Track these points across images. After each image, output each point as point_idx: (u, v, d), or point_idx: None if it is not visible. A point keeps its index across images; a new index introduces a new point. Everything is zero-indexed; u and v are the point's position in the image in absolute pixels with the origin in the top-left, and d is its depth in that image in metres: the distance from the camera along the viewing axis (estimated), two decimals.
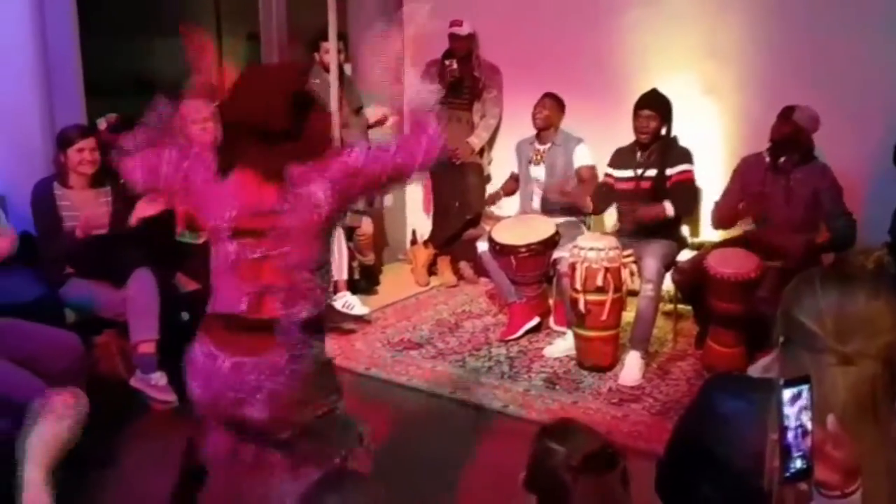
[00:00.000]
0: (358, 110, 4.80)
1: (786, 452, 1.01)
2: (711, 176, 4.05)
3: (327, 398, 1.97)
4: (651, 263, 3.62)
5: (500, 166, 4.82)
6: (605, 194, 3.97)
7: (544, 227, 4.02)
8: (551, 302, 4.21)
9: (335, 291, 4.30)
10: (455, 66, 4.66)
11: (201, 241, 3.24)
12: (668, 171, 3.75)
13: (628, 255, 3.75)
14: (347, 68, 4.77)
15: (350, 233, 4.62)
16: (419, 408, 3.42)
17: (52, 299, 3.16)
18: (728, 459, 1.26)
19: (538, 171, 4.27)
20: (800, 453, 1.01)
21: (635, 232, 3.80)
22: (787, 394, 1.01)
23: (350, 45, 4.89)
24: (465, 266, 5.04)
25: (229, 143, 1.89)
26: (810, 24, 4.00)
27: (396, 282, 5.02)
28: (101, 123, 4.25)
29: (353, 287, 4.51)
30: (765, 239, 3.60)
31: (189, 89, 3.21)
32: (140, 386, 3.16)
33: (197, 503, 2.08)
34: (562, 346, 3.89)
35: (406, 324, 4.34)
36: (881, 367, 1.14)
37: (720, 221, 3.82)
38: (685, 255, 3.87)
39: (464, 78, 4.73)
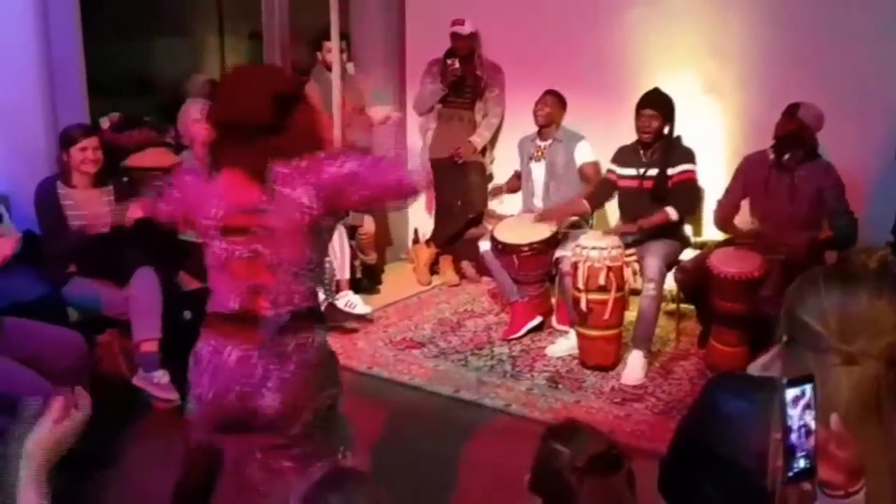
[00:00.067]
0: (360, 110, 4.80)
1: (789, 452, 1.01)
2: (713, 175, 4.05)
3: (333, 387, 1.99)
4: (653, 262, 3.62)
5: (503, 165, 4.82)
6: (605, 190, 3.97)
7: (546, 226, 4.01)
8: (553, 301, 4.21)
9: (337, 290, 4.30)
10: (457, 65, 4.66)
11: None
12: (670, 171, 3.74)
13: (631, 255, 3.75)
14: (350, 68, 4.77)
15: (352, 232, 4.62)
16: (421, 407, 3.42)
17: (55, 298, 3.17)
18: (731, 459, 1.25)
19: (539, 168, 4.27)
20: (803, 453, 1.01)
21: (639, 232, 3.79)
22: (791, 393, 1.01)
23: (352, 44, 4.89)
24: (467, 265, 5.04)
25: (217, 142, 1.91)
26: (812, 22, 3.99)
27: (398, 281, 5.02)
28: (104, 122, 4.27)
29: (356, 286, 4.52)
30: (768, 237, 3.59)
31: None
32: (142, 384, 3.17)
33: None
34: (564, 345, 3.89)
35: (408, 323, 4.34)
36: (884, 368, 1.14)
37: (722, 221, 3.81)
38: (688, 255, 3.86)
39: (466, 77, 4.72)
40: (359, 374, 3.70)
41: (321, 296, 4.05)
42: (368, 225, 4.79)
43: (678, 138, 3.81)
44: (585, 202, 3.97)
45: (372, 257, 4.88)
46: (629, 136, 3.87)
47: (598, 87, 4.43)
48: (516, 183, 4.46)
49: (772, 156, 3.59)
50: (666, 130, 3.78)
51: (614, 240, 3.67)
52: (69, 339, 2.75)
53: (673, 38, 4.34)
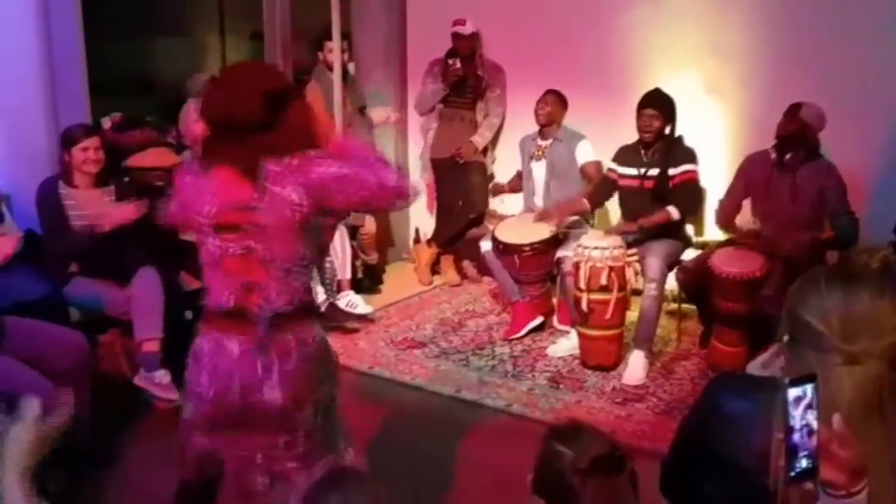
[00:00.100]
0: (361, 110, 4.80)
1: (791, 452, 1.00)
2: (715, 175, 4.05)
3: (332, 381, 2.00)
4: (655, 262, 3.62)
5: (504, 165, 4.82)
6: (605, 189, 3.97)
7: (547, 226, 4.01)
8: (555, 301, 4.21)
9: (339, 290, 4.31)
10: (458, 65, 4.66)
11: None
12: (672, 171, 3.74)
13: (632, 254, 3.75)
14: (351, 67, 4.77)
15: (354, 232, 4.63)
16: (422, 407, 3.42)
17: (57, 298, 3.17)
18: (733, 459, 1.25)
19: (539, 167, 4.27)
20: (805, 453, 1.01)
21: (641, 232, 3.79)
22: (793, 393, 1.01)
23: (354, 44, 4.89)
24: (468, 265, 5.04)
25: (211, 139, 1.93)
26: (813, 22, 3.99)
27: (400, 281, 5.02)
28: (106, 122, 4.27)
29: (357, 286, 4.52)
30: (769, 237, 3.58)
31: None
32: (144, 384, 3.17)
33: None
34: (565, 345, 3.88)
35: (409, 323, 4.34)
36: (886, 367, 1.14)
37: (724, 221, 3.81)
38: (689, 255, 3.86)
39: (467, 77, 4.72)
40: (360, 373, 3.70)
41: (322, 296, 4.07)
42: (370, 225, 4.79)
43: (679, 138, 3.81)
44: (586, 201, 3.97)
45: (373, 257, 4.88)
46: (630, 135, 3.87)
47: (599, 87, 4.43)
48: (518, 183, 4.46)
49: (773, 156, 3.59)
50: (667, 130, 3.78)
51: (616, 240, 3.67)
52: (71, 339, 2.75)
53: (674, 38, 4.34)
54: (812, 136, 3.53)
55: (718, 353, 3.59)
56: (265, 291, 1.83)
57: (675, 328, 4.06)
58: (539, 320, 4.12)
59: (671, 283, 3.79)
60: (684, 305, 4.04)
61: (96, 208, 3.27)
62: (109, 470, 2.71)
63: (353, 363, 3.79)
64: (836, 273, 1.23)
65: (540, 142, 4.28)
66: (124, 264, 3.24)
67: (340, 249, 4.34)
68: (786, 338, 1.22)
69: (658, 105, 3.75)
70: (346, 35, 4.61)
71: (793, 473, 1.01)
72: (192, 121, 3.69)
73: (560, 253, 3.93)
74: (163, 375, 3.14)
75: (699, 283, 3.61)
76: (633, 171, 3.85)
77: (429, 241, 5.09)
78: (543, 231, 3.97)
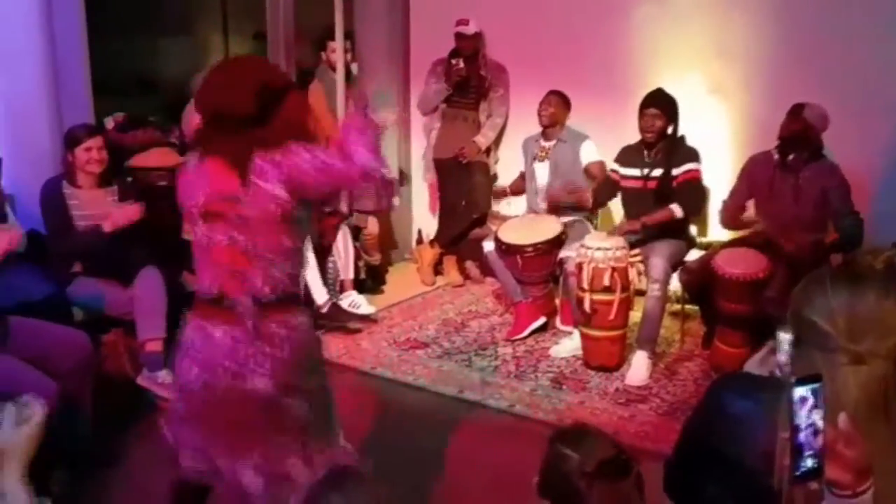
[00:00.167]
0: (364, 110, 4.79)
1: (797, 451, 1.00)
2: (718, 175, 4.04)
3: (321, 371, 2.02)
4: (658, 263, 3.61)
5: (507, 165, 4.82)
6: (607, 189, 3.97)
7: (551, 227, 4.01)
8: (558, 302, 4.21)
9: (341, 291, 4.31)
10: (461, 65, 4.66)
11: None
12: (675, 171, 3.74)
13: (636, 255, 3.74)
14: (354, 67, 4.77)
15: (356, 232, 4.63)
16: (425, 407, 3.42)
17: (60, 298, 3.17)
18: (737, 459, 1.25)
19: (542, 168, 4.27)
20: (811, 452, 1.00)
21: (643, 232, 3.78)
22: (799, 392, 1.00)
23: (357, 44, 4.89)
24: (471, 266, 5.04)
25: (204, 130, 1.96)
26: (817, 23, 3.98)
27: (402, 281, 5.02)
28: (109, 122, 4.27)
29: (360, 286, 4.52)
30: (773, 238, 3.58)
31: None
32: (147, 384, 3.17)
33: None
34: (568, 345, 3.88)
35: (412, 323, 4.34)
36: (892, 367, 1.13)
37: (728, 221, 3.80)
38: (693, 255, 3.85)
39: (470, 77, 4.72)
40: (362, 374, 3.70)
41: (325, 296, 4.07)
42: (372, 226, 4.79)
43: (682, 138, 3.80)
44: (589, 194, 3.96)
45: (376, 258, 4.88)
46: (634, 136, 3.87)
47: (602, 88, 4.43)
48: (521, 184, 4.46)
49: (776, 156, 3.58)
50: (669, 130, 3.77)
51: (619, 240, 3.66)
52: (74, 339, 2.75)
53: (678, 39, 4.34)
54: (815, 137, 3.52)
55: (721, 354, 3.58)
56: (249, 280, 1.87)
57: (679, 329, 4.05)
58: (542, 321, 4.11)
59: (674, 283, 3.78)
60: (687, 306, 4.04)
61: (99, 208, 3.28)
62: (112, 470, 2.71)
63: (355, 363, 3.79)
64: (842, 273, 1.23)
65: (543, 143, 4.28)
66: (127, 264, 3.25)
67: (343, 250, 4.34)
68: (780, 335, 1.22)
69: (660, 105, 3.74)
70: (349, 35, 4.62)
71: (798, 473, 1.01)
72: (194, 121, 3.70)
73: (563, 253, 3.93)
74: (166, 375, 3.14)
75: (702, 284, 3.60)
76: (635, 172, 3.84)
77: (431, 242, 5.09)
78: (546, 231, 3.97)
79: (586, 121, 4.29)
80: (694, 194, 3.79)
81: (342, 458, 1.98)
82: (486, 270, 4.66)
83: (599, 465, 1.29)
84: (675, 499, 1.49)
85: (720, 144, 4.24)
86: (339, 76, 4.13)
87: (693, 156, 3.77)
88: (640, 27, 4.43)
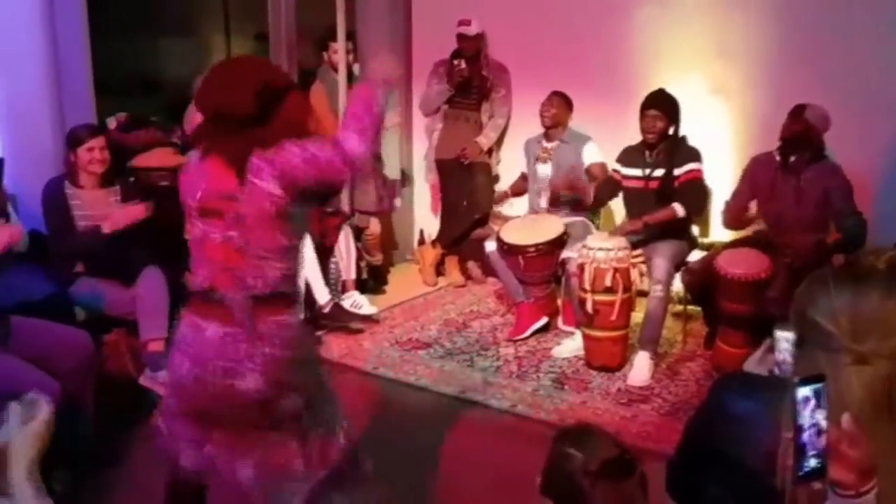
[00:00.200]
0: None
1: (800, 451, 1.00)
2: (720, 176, 4.04)
3: (317, 367, 2.02)
4: (661, 264, 3.61)
5: (509, 166, 4.81)
6: (609, 188, 3.97)
7: (553, 227, 4.01)
8: (559, 302, 4.20)
9: (343, 291, 4.31)
10: (464, 65, 4.65)
11: None
12: (677, 171, 3.74)
13: (638, 256, 3.74)
14: (356, 68, 4.77)
15: (358, 233, 4.63)
16: (427, 407, 3.42)
17: (62, 297, 3.17)
18: (740, 459, 1.25)
19: (545, 169, 4.27)
20: (814, 452, 1.00)
21: (645, 232, 3.78)
22: (802, 392, 1.00)
23: (359, 44, 4.89)
24: (473, 266, 5.04)
25: (203, 128, 1.98)
26: (819, 23, 3.97)
27: (404, 282, 5.02)
28: (111, 122, 4.28)
29: (362, 287, 4.52)
30: (775, 238, 3.58)
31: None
32: (149, 384, 3.17)
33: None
34: (570, 346, 3.88)
35: (414, 323, 4.34)
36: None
37: (730, 221, 3.80)
38: (695, 256, 3.85)
39: (472, 78, 4.72)
40: (364, 374, 3.70)
41: (327, 296, 4.07)
42: (374, 226, 4.79)
43: (683, 138, 3.80)
44: (590, 190, 3.96)
45: (378, 258, 4.88)
46: (635, 137, 3.87)
47: (604, 88, 4.43)
48: (522, 185, 4.46)
49: (778, 158, 3.58)
50: (671, 131, 3.77)
51: (621, 241, 3.66)
52: (76, 339, 2.75)
53: (679, 39, 4.33)
54: (816, 138, 3.52)
55: (723, 354, 3.58)
56: (241, 277, 1.87)
57: (681, 329, 4.05)
58: (544, 321, 4.11)
59: (676, 284, 3.78)
60: (689, 307, 4.03)
61: (101, 209, 3.28)
62: (114, 469, 2.72)
63: (357, 364, 3.79)
64: (845, 273, 1.23)
65: (545, 144, 4.28)
66: (129, 264, 3.25)
67: (345, 250, 4.34)
68: (777, 333, 1.22)
69: (661, 106, 3.74)
70: (350, 36, 4.62)
71: (801, 473, 1.01)
72: (196, 121, 3.70)
73: (565, 254, 3.93)
74: (168, 375, 3.13)
75: (704, 285, 3.60)
76: (637, 172, 3.84)
77: (433, 242, 5.09)
78: (548, 232, 3.97)
79: (588, 121, 4.29)
80: (696, 194, 3.78)
81: (341, 452, 1.98)
82: (488, 271, 4.66)
83: (603, 464, 1.29)
84: (677, 499, 1.49)
85: (722, 145, 4.24)
86: (341, 77, 4.14)
87: (695, 156, 3.77)
88: (641, 28, 4.43)
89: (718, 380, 1.46)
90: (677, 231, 3.79)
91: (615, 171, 3.95)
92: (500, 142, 4.96)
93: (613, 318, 3.57)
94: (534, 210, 4.35)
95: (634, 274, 3.66)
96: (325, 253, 4.17)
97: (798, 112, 3.51)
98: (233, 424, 1.93)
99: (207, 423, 1.95)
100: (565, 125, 4.26)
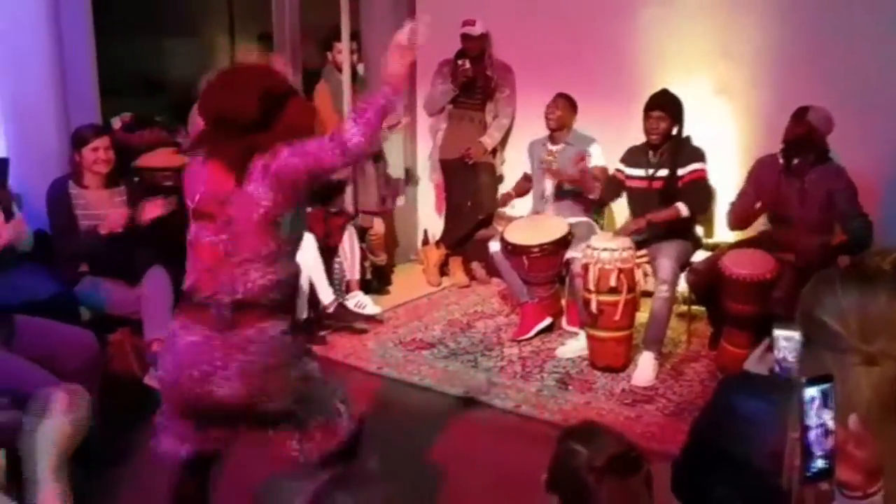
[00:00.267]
0: None
1: (807, 452, 1.00)
2: (725, 176, 4.03)
3: (301, 365, 2.00)
4: (666, 264, 3.61)
5: (513, 166, 4.81)
6: (613, 187, 3.97)
7: (557, 228, 4.00)
8: (564, 302, 4.20)
9: (347, 291, 4.31)
10: (468, 65, 4.65)
11: None
12: (680, 171, 3.73)
13: (642, 256, 3.73)
14: (360, 68, 4.77)
15: (362, 233, 4.63)
16: (431, 407, 3.42)
17: (67, 297, 3.18)
18: (746, 459, 1.25)
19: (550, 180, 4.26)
20: (821, 453, 1.00)
21: (649, 232, 3.78)
22: (809, 393, 1.00)
23: (363, 45, 4.90)
24: (477, 266, 5.03)
25: (205, 133, 1.99)
26: (824, 24, 3.96)
27: (408, 282, 5.02)
28: (116, 122, 4.29)
29: (365, 287, 4.52)
30: (780, 239, 3.57)
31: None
32: (154, 384, 3.17)
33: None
34: (574, 346, 3.87)
35: (418, 324, 4.34)
36: None
37: (736, 222, 3.79)
38: (700, 256, 3.84)
39: (476, 78, 4.72)
40: (368, 374, 3.71)
41: (331, 296, 4.07)
42: (378, 226, 4.79)
43: (687, 138, 3.80)
44: (598, 187, 3.95)
45: (382, 258, 4.88)
46: (640, 137, 3.87)
47: (609, 89, 4.42)
48: (525, 185, 4.45)
49: (781, 160, 3.57)
50: (674, 131, 3.77)
51: (625, 241, 3.66)
52: (81, 338, 2.76)
53: (684, 40, 4.33)
54: (820, 140, 3.51)
55: (728, 354, 3.57)
56: (225, 280, 1.88)
57: (685, 330, 4.04)
58: (548, 321, 4.11)
59: (681, 284, 3.77)
60: (694, 307, 4.03)
61: (105, 209, 3.28)
62: (119, 469, 2.72)
63: (361, 364, 3.80)
64: (852, 274, 1.23)
65: (551, 146, 4.27)
66: (134, 264, 3.25)
67: (349, 250, 4.34)
68: (776, 332, 1.22)
69: (665, 106, 3.74)
70: (355, 35, 4.62)
71: (809, 473, 1.01)
72: (198, 124, 3.71)
73: (569, 254, 3.92)
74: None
75: (709, 285, 3.59)
76: (640, 173, 3.84)
77: (437, 243, 5.09)
78: (553, 232, 3.96)
79: (592, 122, 4.29)
80: (700, 194, 3.78)
81: (347, 431, 2.01)
82: (492, 271, 4.66)
83: (609, 460, 1.29)
84: (682, 499, 1.49)
85: (726, 145, 4.23)
86: (346, 77, 4.14)
87: (698, 156, 3.76)
88: (646, 28, 4.42)
89: (724, 380, 1.46)
90: (681, 231, 3.78)
91: (618, 171, 3.94)
92: (504, 142, 4.96)
93: (617, 318, 3.57)
94: (537, 212, 4.34)
95: (639, 274, 3.66)
96: (328, 253, 4.17)
97: (801, 114, 3.51)
98: (225, 423, 1.95)
99: (202, 422, 1.97)
100: (570, 127, 4.25)
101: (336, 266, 4.27)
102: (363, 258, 4.56)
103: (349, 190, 4.66)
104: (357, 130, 1.86)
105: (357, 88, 4.51)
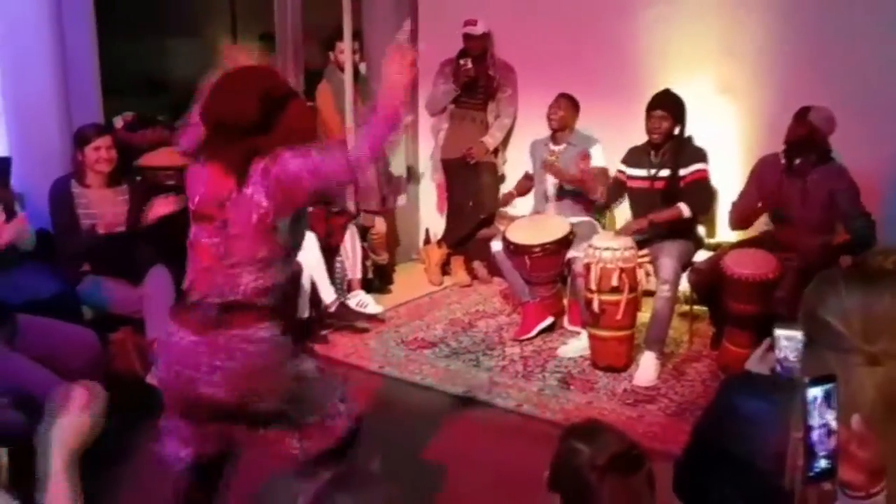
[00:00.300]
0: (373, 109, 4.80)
1: (810, 452, 1.00)
2: (727, 176, 4.03)
3: (292, 363, 1.99)
4: (668, 263, 3.60)
5: (515, 166, 4.80)
6: (616, 189, 3.97)
7: (559, 227, 4.00)
8: (565, 302, 4.20)
9: (349, 290, 4.31)
10: (470, 65, 4.65)
11: None
12: (682, 171, 3.73)
13: (644, 255, 3.73)
14: (362, 68, 4.77)
15: (364, 232, 4.63)
16: (432, 406, 3.42)
17: (69, 296, 3.18)
18: (749, 459, 1.25)
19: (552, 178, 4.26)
20: (824, 453, 1.00)
21: (651, 232, 3.77)
22: (812, 393, 1.00)
23: (365, 44, 4.90)
24: (478, 265, 5.03)
25: (208, 139, 1.98)
26: (827, 24, 3.96)
27: (410, 281, 5.02)
28: (118, 122, 4.29)
29: (367, 286, 4.52)
30: (782, 239, 3.57)
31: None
32: (156, 383, 3.17)
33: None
34: (576, 346, 3.87)
35: (419, 323, 4.34)
36: None
37: (737, 222, 3.79)
38: (701, 256, 3.84)
39: (478, 77, 4.71)
40: (370, 373, 3.71)
41: (333, 295, 4.07)
42: (380, 225, 4.79)
43: (689, 138, 3.80)
44: (601, 189, 3.95)
45: (383, 257, 4.88)
46: (642, 137, 3.87)
47: (611, 89, 4.42)
48: (526, 184, 4.45)
49: (783, 160, 3.57)
50: (676, 131, 3.76)
51: (627, 241, 3.66)
52: (83, 338, 2.76)
53: (687, 40, 4.32)
54: (821, 140, 3.50)
55: (730, 354, 3.56)
56: (215, 283, 1.89)
57: (687, 329, 4.04)
58: (549, 321, 4.11)
59: (683, 284, 3.77)
60: (696, 307, 4.02)
61: (108, 208, 3.29)
62: (121, 468, 2.72)
63: (363, 363, 3.80)
64: (855, 274, 1.22)
65: (553, 147, 4.27)
66: (136, 263, 3.26)
67: (351, 249, 4.34)
68: (776, 332, 1.22)
69: (667, 106, 3.74)
70: (357, 35, 4.62)
71: (811, 473, 1.01)
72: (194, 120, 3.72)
73: (571, 254, 3.92)
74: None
75: (711, 285, 3.59)
76: (642, 173, 3.83)
77: (439, 242, 5.09)
78: (554, 232, 3.96)
79: (594, 122, 4.28)
80: (702, 194, 3.77)
81: (345, 429, 2.01)
82: (494, 270, 4.65)
83: (611, 458, 1.29)
84: (684, 499, 1.49)
85: (729, 145, 4.22)
86: (348, 76, 4.14)
87: (700, 156, 3.76)
88: (648, 28, 4.42)
89: (727, 380, 1.46)
90: (683, 231, 3.78)
91: (620, 171, 3.94)
92: (506, 141, 4.96)
93: (619, 317, 3.57)
94: (539, 211, 4.34)
95: (640, 274, 3.66)
96: (330, 252, 4.18)
97: (802, 115, 3.50)
98: (220, 421, 1.96)
99: (198, 420, 1.98)
100: (572, 127, 4.25)
101: (338, 265, 4.27)
102: (365, 257, 4.56)
103: (350, 189, 4.66)
104: (364, 145, 1.89)
105: (359, 88, 4.51)
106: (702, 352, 3.89)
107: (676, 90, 3.80)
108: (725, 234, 4.02)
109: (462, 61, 4.67)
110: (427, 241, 5.34)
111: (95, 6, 3.70)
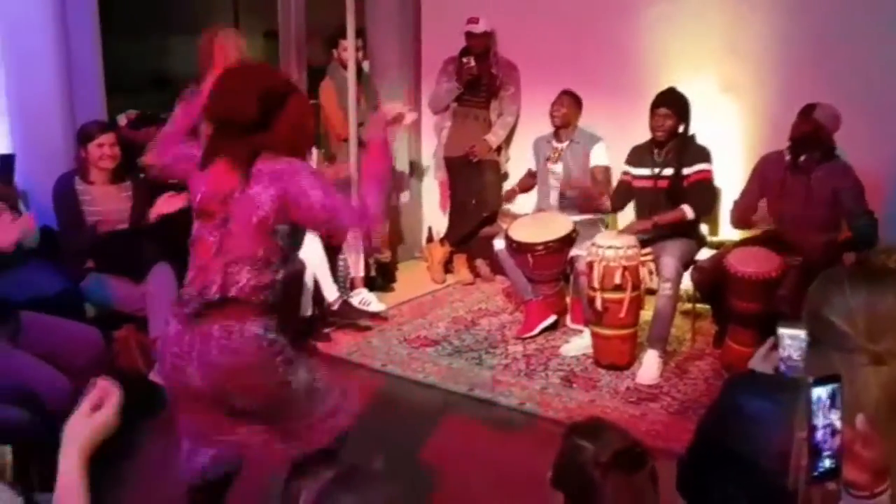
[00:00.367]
0: (375, 108, 4.80)
1: (814, 451, 1.00)
2: (730, 174, 4.02)
3: (282, 363, 1.97)
4: (670, 262, 3.60)
5: (518, 164, 4.81)
6: (623, 192, 3.96)
7: (562, 225, 4.00)
8: (568, 300, 4.20)
9: (352, 288, 4.31)
10: (472, 63, 4.65)
11: None
12: (686, 171, 3.72)
13: (647, 254, 3.73)
14: (366, 65, 4.77)
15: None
16: (435, 405, 3.42)
17: (73, 293, 3.19)
18: (753, 459, 1.24)
19: (556, 169, 4.26)
20: (828, 453, 1.00)
21: (654, 231, 3.77)
22: (817, 392, 1.00)
23: (368, 42, 4.89)
24: (481, 264, 5.04)
25: (212, 137, 2.00)
26: (831, 22, 3.95)
27: (412, 279, 5.02)
28: (121, 119, 4.29)
29: (370, 284, 4.52)
30: (785, 237, 3.56)
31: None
32: (159, 380, 3.18)
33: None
34: (579, 344, 3.87)
35: (422, 321, 4.34)
36: None
37: (739, 221, 3.78)
38: (704, 254, 3.84)
39: (481, 75, 4.71)
40: (373, 371, 3.71)
41: (336, 293, 4.07)
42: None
43: (692, 137, 3.79)
44: (608, 199, 3.95)
45: (386, 255, 4.88)
46: (645, 136, 3.85)
47: (614, 87, 4.41)
48: (529, 181, 4.45)
49: (787, 157, 3.56)
50: (680, 129, 3.76)
51: (630, 239, 3.65)
52: (86, 335, 2.76)
53: (691, 38, 4.31)
54: (826, 137, 3.49)
55: (733, 353, 3.56)
56: (208, 277, 1.90)
57: (690, 328, 4.04)
58: (552, 319, 4.10)
59: (686, 282, 3.77)
60: (698, 305, 4.02)
61: (112, 205, 3.30)
62: (124, 465, 2.72)
63: (365, 361, 3.80)
64: (859, 273, 1.22)
65: (556, 144, 4.27)
66: (139, 261, 3.26)
67: (353, 247, 4.34)
68: (780, 331, 1.22)
69: (671, 104, 3.73)
70: (360, 33, 4.61)
71: (816, 473, 1.00)
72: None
73: (574, 252, 3.92)
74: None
75: (714, 283, 3.59)
76: (646, 172, 3.83)
77: (442, 240, 5.09)
78: (557, 230, 3.96)
79: (597, 120, 4.28)
80: (705, 195, 3.77)
81: (333, 434, 2.02)
82: (497, 268, 4.65)
83: (615, 455, 1.29)
84: (687, 498, 1.49)
85: (732, 143, 4.22)
86: (351, 74, 4.13)
87: (704, 156, 3.75)
88: (652, 26, 4.41)
89: (731, 379, 1.46)
90: (686, 229, 3.77)
91: (626, 173, 3.93)
92: (508, 139, 4.96)
93: (622, 316, 3.57)
94: (542, 209, 4.34)
95: (643, 272, 3.65)
96: (333, 250, 4.18)
97: (807, 112, 3.49)
98: (209, 410, 1.97)
99: (193, 410, 2.00)
100: (575, 125, 4.25)
101: (340, 263, 4.27)
102: (367, 255, 4.56)
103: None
104: (377, 198, 2.01)
105: (362, 85, 4.50)
106: (705, 350, 3.89)
107: (680, 88, 3.79)
108: (728, 232, 4.01)
109: (465, 59, 4.67)
110: (430, 239, 5.34)
111: (99, 4, 3.71)
